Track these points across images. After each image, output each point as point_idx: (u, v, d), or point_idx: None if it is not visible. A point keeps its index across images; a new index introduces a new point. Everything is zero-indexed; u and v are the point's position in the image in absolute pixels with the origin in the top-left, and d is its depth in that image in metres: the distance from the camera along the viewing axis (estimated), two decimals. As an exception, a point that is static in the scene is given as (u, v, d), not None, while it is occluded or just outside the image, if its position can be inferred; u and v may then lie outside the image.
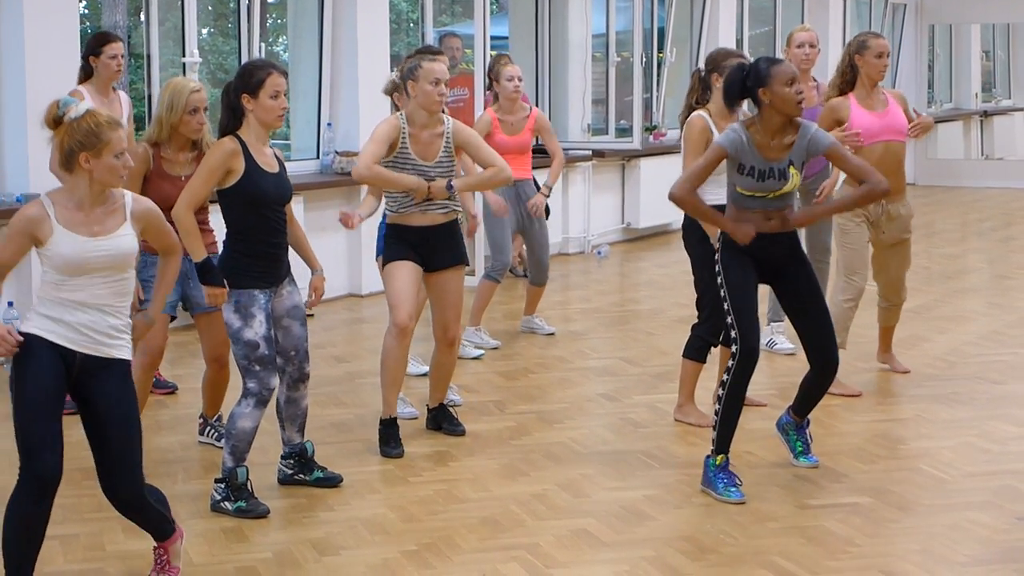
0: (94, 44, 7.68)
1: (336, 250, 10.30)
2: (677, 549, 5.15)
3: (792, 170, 5.68)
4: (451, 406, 6.83)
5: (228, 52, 13.99)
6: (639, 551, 5.12)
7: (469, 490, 5.85)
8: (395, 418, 6.43)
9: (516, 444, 6.54)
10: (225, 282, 5.44)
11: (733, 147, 5.67)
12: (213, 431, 6.50)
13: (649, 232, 13.80)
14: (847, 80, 7.32)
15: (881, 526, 5.40)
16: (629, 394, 7.50)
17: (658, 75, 14.73)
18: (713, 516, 5.51)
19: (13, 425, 4.39)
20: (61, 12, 8.45)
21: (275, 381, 5.56)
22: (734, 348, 5.71)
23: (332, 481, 5.89)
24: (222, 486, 5.56)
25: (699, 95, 6.71)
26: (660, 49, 14.76)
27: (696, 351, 6.81)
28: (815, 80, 8.14)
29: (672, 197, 5.78)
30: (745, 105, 6.17)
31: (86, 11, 14.07)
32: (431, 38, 11.73)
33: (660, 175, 12.82)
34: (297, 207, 6.76)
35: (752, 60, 5.94)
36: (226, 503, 5.53)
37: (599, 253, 12.60)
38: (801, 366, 6.16)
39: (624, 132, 13.95)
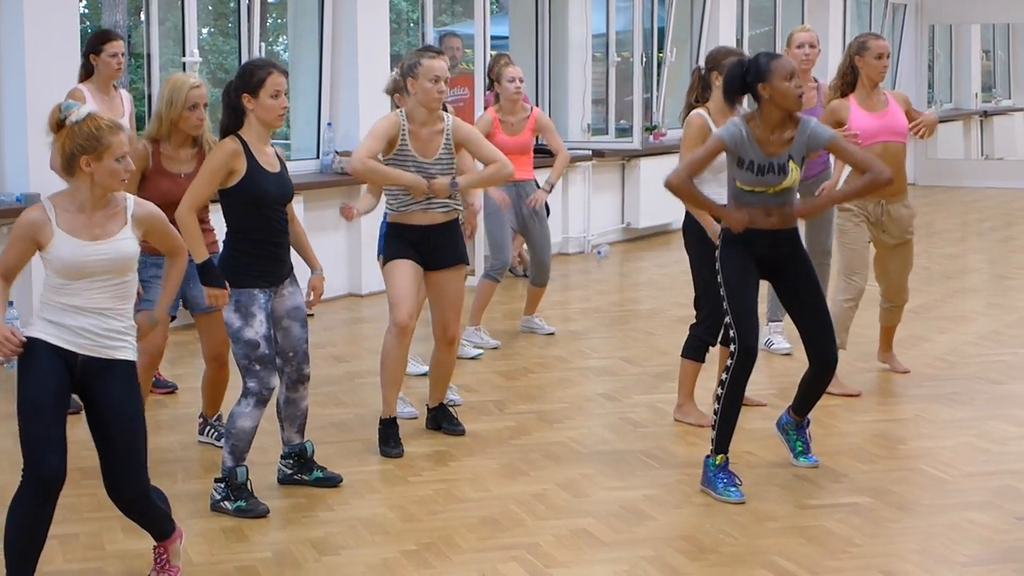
0: (95, 42, 7.68)
1: (336, 250, 10.30)
2: (677, 549, 5.15)
3: (792, 165, 5.68)
4: (451, 406, 6.83)
5: (228, 52, 14.00)
6: (639, 551, 5.12)
7: (469, 490, 5.85)
8: (395, 418, 6.43)
9: (516, 444, 6.54)
10: (226, 283, 5.44)
11: (732, 140, 5.67)
12: (213, 431, 6.50)
13: (649, 232, 13.80)
14: (848, 82, 7.33)
15: (881, 526, 5.40)
16: (629, 394, 7.50)
17: (658, 75, 14.73)
18: (713, 516, 5.51)
19: (18, 427, 4.42)
20: (61, 12, 8.45)
21: (275, 381, 5.56)
22: (733, 347, 5.71)
23: (332, 481, 5.89)
24: (222, 486, 5.56)
25: (699, 93, 6.72)
26: (660, 49, 14.76)
27: (694, 351, 6.82)
28: (815, 80, 8.14)
29: (668, 184, 5.79)
30: (745, 103, 6.17)
31: (86, 11, 14.08)
32: (431, 38, 11.73)
33: (660, 175, 12.61)
34: (297, 207, 6.75)
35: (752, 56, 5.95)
36: (226, 503, 5.53)
37: (599, 253, 12.60)
38: (800, 366, 6.16)
39: (624, 132, 13.96)
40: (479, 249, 9.98)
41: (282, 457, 5.92)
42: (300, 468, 5.89)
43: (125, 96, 7.88)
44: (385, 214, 6.63)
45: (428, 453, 6.39)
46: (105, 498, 4.60)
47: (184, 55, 9.52)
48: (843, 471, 6.07)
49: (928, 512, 5.57)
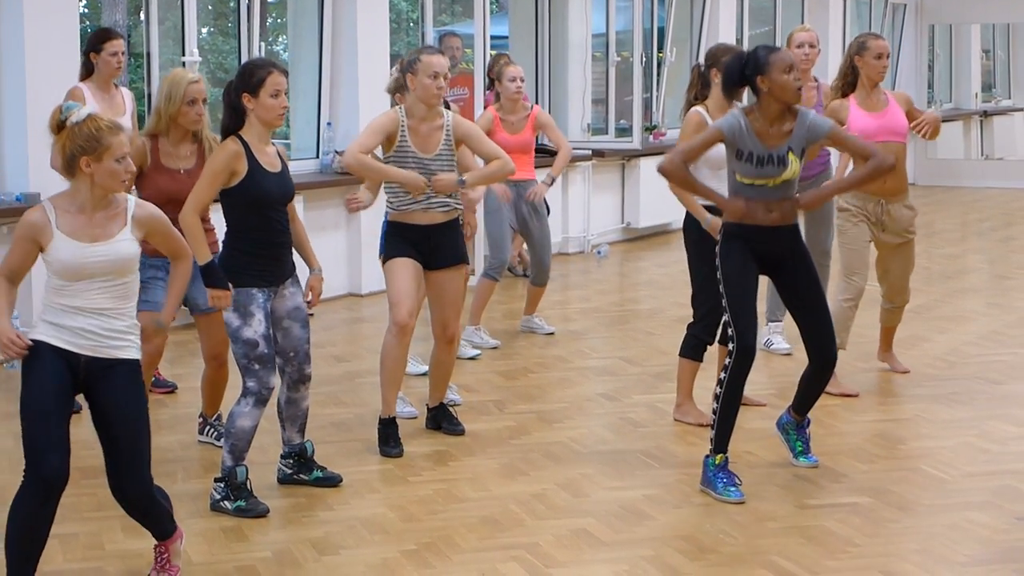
0: (95, 41, 7.68)
1: (336, 249, 10.30)
2: (676, 549, 5.14)
3: (791, 157, 5.68)
4: (451, 405, 6.83)
5: (228, 51, 14.00)
6: (638, 551, 5.12)
7: (469, 490, 5.85)
8: (394, 417, 6.43)
9: (516, 444, 6.54)
10: (230, 284, 5.43)
11: (730, 130, 5.68)
12: (212, 430, 6.50)
13: (649, 232, 13.79)
14: (848, 82, 7.33)
15: (881, 526, 5.40)
16: (629, 394, 7.50)
17: (658, 75, 14.72)
18: (712, 516, 5.51)
19: (21, 430, 4.43)
20: (61, 12, 8.45)
21: (275, 380, 5.56)
22: (731, 346, 5.71)
23: (331, 481, 5.89)
24: (221, 485, 5.55)
25: (698, 90, 6.73)
26: (660, 49, 14.76)
27: (692, 349, 6.82)
28: (816, 80, 8.14)
29: (661, 168, 5.80)
30: (745, 98, 6.18)
31: (86, 10, 14.08)
32: (431, 37, 11.73)
33: (660, 175, 12.79)
34: (297, 206, 6.74)
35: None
36: (225, 502, 5.53)
37: (599, 253, 12.60)
38: (799, 366, 6.16)
39: (624, 132, 13.95)
40: (479, 249, 9.97)
41: (282, 457, 5.92)
42: (300, 468, 5.89)
43: (127, 94, 7.88)
44: (386, 213, 6.63)
45: (428, 453, 6.39)
46: (105, 498, 4.60)
47: (184, 55, 9.52)
48: (843, 471, 6.07)
49: (928, 512, 5.57)
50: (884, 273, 7.61)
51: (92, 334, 4.42)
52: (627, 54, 13.92)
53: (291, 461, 5.89)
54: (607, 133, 14.02)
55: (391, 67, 10.39)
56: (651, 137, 13.90)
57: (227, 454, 5.54)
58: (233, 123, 5.55)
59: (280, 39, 15.30)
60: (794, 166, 5.69)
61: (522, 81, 8.72)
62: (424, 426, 6.77)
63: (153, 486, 4.60)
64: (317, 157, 10.78)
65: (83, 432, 5.19)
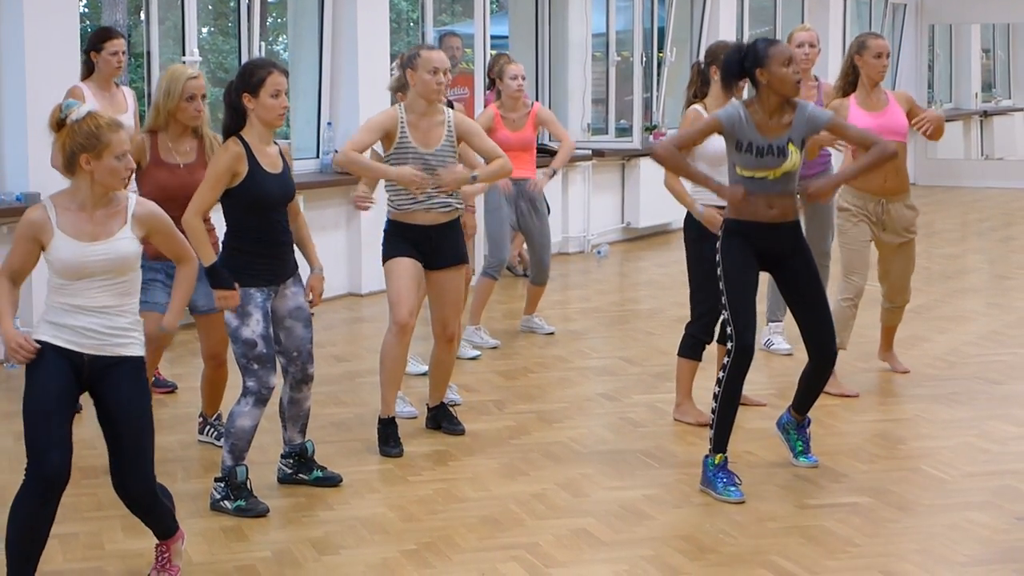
0: (95, 40, 7.67)
1: (336, 249, 10.30)
2: (676, 549, 5.14)
3: (791, 147, 5.68)
4: (451, 405, 6.83)
5: (228, 51, 13.99)
6: (638, 550, 5.12)
7: (469, 489, 5.85)
8: (394, 417, 6.42)
9: (515, 443, 6.54)
10: (235, 284, 5.42)
11: (729, 121, 5.68)
12: (212, 430, 6.50)
13: (649, 232, 13.79)
14: (849, 82, 7.34)
15: (881, 526, 5.40)
16: (628, 394, 7.50)
17: (658, 75, 14.72)
18: (712, 515, 5.51)
19: (23, 430, 4.43)
20: (61, 12, 8.44)
21: (274, 380, 5.55)
22: (729, 345, 5.71)
23: (332, 480, 5.89)
24: (221, 485, 5.55)
25: (697, 88, 6.75)
26: (660, 49, 14.76)
27: (690, 349, 6.82)
28: (816, 79, 8.14)
29: (654, 154, 5.82)
30: (744, 92, 6.19)
31: (86, 10, 14.08)
32: (431, 37, 11.73)
33: (660, 175, 12.73)
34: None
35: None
36: (225, 502, 5.53)
37: (599, 253, 12.60)
38: (799, 366, 6.15)
39: (624, 132, 13.95)
40: (478, 248, 9.98)
41: (282, 456, 5.92)
42: (300, 467, 5.89)
43: (128, 93, 7.87)
44: (387, 213, 6.62)
45: (428, 453, 6.39)
46: (105, 498, 4.60)
47: (184, 54, 9.53)
48: (843, 471, 6.07)
49: (928, 512, 5.56)
50: (885, 273, 7.61)
51: (95, 332, 4.43)
52: (627, 54, 13.92)
53: (291, 461, 5.89)
54: (607, 133, 14.03)
55: (391, 67, 10.40)
56: (651, 137, 13.89)
57: (227, 454, 5.54)
58: (234, 124, 5.54)
59: (280, 39, 15.29)
60: (794, 157, 5.69)
61: (523, 79, 8.72)
62: (424, 426, 6.77)
63: (156, 484, 4.60)
64: (317, 157, 10.78)
65: (84, 432, 5.20)
